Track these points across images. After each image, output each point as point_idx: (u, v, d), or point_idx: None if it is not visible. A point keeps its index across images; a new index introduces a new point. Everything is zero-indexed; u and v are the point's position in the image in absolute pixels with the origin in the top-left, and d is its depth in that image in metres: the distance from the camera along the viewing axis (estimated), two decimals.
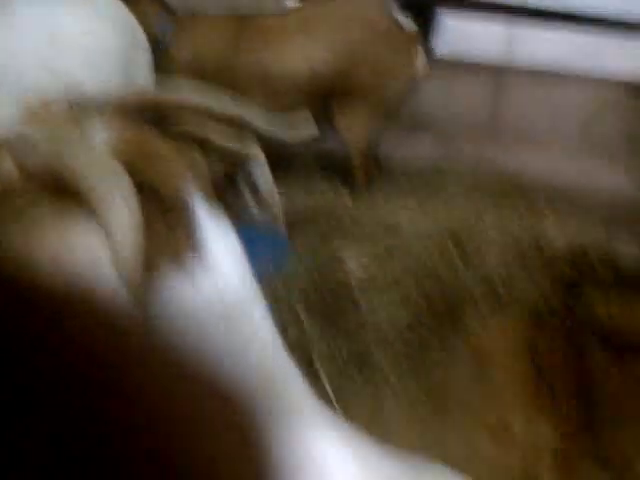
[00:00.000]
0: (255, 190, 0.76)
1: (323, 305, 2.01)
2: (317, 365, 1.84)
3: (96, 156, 0.57)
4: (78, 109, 0.62)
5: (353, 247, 2.23)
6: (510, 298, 2.19)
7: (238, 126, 0.71)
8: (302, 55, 2.30)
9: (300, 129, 0.80)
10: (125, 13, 1.56)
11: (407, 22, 2.34)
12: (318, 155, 2.70)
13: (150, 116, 0.66)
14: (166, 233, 0.57)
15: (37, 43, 1.30)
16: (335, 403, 1.73)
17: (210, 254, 0.59)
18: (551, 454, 1.72)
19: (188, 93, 0.68)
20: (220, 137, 0.72)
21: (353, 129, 2.44)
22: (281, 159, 2.71)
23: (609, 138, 2.68)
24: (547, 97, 2.76)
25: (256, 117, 0.73)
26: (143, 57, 1.58)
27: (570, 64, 2.66)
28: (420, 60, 2.36)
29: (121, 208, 0.53)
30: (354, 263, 2.14)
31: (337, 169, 2.66)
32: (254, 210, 0.78)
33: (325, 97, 2.36)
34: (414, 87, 2.44)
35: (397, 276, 2.13)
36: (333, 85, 2.33)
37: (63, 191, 0.55)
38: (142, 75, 1.55)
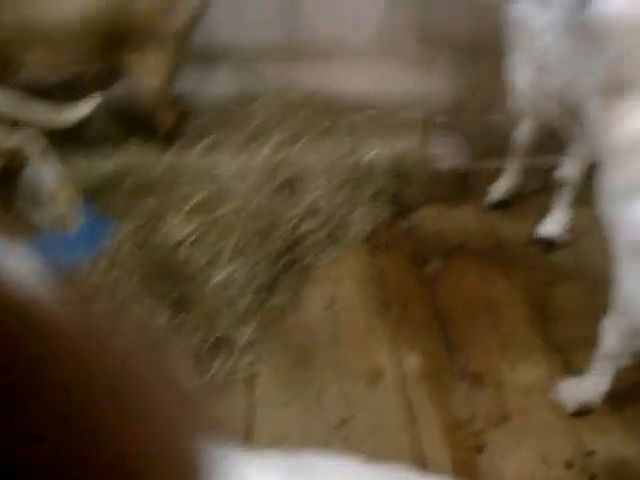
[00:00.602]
0: (40, 191, 0.65)
1: (158, 275, 1.85)
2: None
3: None
4: None
5: (170, 202, 2.07)
6: (342, 225, 2.18)
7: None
8: (68, 3, 2.06)
9: (71, 108, 0.71)
10: None
11: None
12: (115, 113, 2.45)
13: None
14: None
15: None
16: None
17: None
18: (424, 380, 1.77)
19: None
20: None
21: (147, 71, 2.25)
22: (74, 128, 2.46)
23: (399, 38, 2.70)
24: (335, 7, 2.71)
25: (10, 104, 0.61)
26: None
27: None
28: None
29: None
30: (176, 219, 1.99)
31: (139, 122, 2.44)
32: (44, 213, 0.68)
33: (111, 44, 2.15)
34: (199, 19, 2.28)
35: (226, 222, 2.03)
36: (113, 28, 2.11)
37: None
38: None
